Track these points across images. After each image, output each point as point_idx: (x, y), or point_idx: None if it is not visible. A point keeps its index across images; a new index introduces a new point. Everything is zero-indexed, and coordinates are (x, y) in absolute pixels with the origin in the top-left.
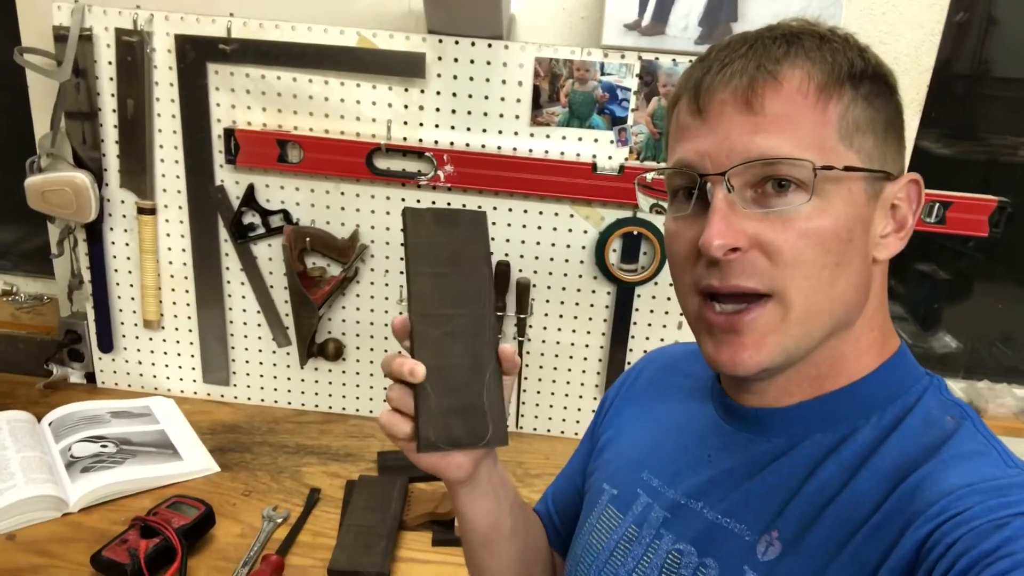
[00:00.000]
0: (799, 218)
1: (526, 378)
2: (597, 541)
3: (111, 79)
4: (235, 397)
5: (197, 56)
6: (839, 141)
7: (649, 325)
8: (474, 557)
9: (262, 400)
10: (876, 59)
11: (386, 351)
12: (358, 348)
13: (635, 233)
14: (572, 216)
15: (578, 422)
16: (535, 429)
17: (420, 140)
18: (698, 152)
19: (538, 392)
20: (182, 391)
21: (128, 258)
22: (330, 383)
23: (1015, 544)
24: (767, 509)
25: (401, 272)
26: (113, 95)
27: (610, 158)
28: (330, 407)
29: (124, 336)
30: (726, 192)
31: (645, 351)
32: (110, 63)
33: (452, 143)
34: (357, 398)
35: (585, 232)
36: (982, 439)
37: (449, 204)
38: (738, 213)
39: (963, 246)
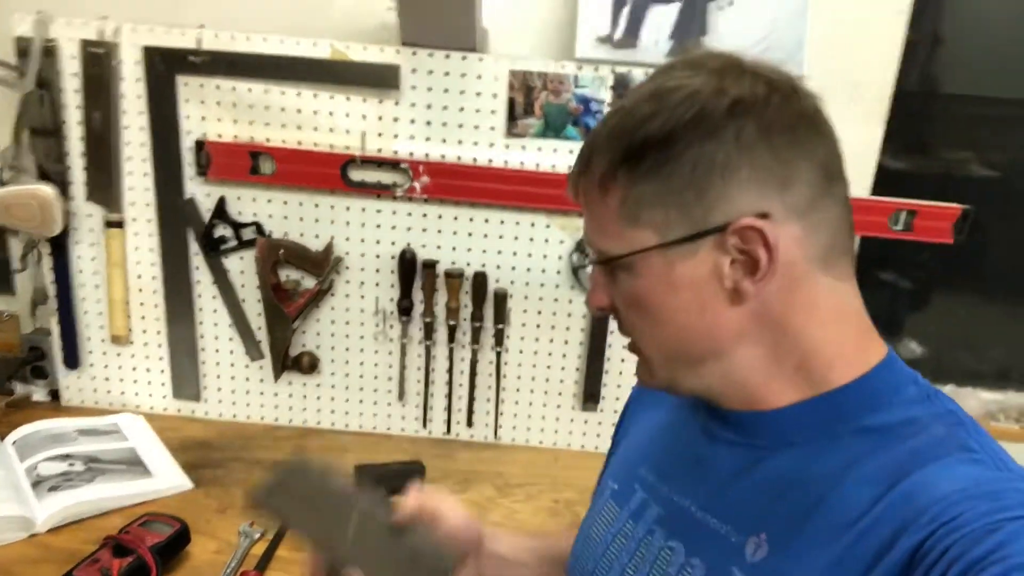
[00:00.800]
0: (620, 285)
1: (503, 389)
2: (596, 534)
3: (76, 91)
4: (206, 413)
5: (166, 68)
6: (625, 223)
7: None
8: None
9: (234, 416)
10: (667, 122)
11: (361, 363)
12: (333, 361)
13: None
14: (548, 226)
15: (556, 432)
16: (513, 440)
17: (395, 152)
18: None
19: (516, 403)
20: (151, 408)
21: (95, 272)
22: (304, 397)
23: (1007, 548)
24: (753, 511)
25: (376, 284)
26: (79, 107)
27: None
28: (305, 421)
29: (91, 352)
30: (594, 263)
31: (623, 359)
32: (75, 75)
33: (427, 155)
34: (332, 412)
35: (562, 242)
36: (975, 444)
37: (425, 215)
38: (600, 281)
39: (921, 255)
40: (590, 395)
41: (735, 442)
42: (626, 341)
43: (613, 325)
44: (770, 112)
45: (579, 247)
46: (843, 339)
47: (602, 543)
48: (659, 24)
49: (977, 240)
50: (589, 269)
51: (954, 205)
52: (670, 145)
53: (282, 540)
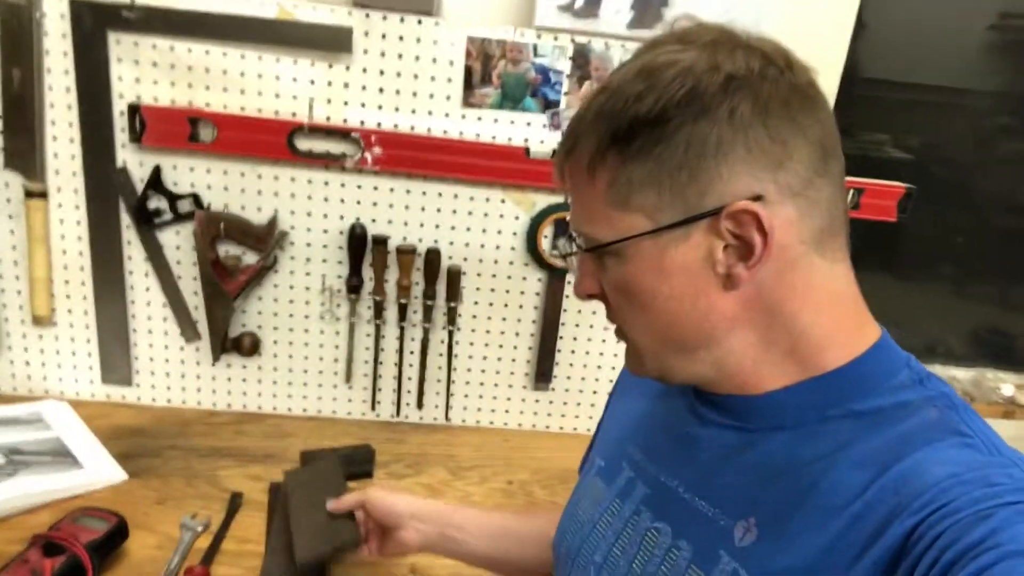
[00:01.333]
0: (608, 272)
1: (455, 369)
2: (583, 512)
3: None
4: (138, 398)
5: (95, 24)
6: (615, 208)
7: (579, 312)
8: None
9: (169, 401)
10: (658, 101)
11: (306, 344)
12: (275, 342)
13: (567, 219)
14: (503, 201)
15: (507, 412)
16: (464, 421)
17: (345, 120)
18: None
19: (467, 383)
20: (77, 393)
21: (14, 247)
22: (244, 380)
23: (1000, 535)
24: (742, 495)
25: (324, 260)
26: None
27: (542, 142)
28: (245, 406)
29: (9, 335)
30: (580, 249)
31: (575, 339)
32: None
33: (380, 124)
34: (275, 396)
35: (516, 218)
36: (967, 428)
37: (376, 189)
38: (586, 268)
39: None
40: (542, 374)
41: (725, 425)
42: (609, 326)
43: (567, 303)
44: (765, 88)
45: (562, 232)
46: (837, 322)
47: (589, 522)
48: None
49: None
50: (574, 257)
51: (898, 184)
52: (662, 125)
53: (227, 532)
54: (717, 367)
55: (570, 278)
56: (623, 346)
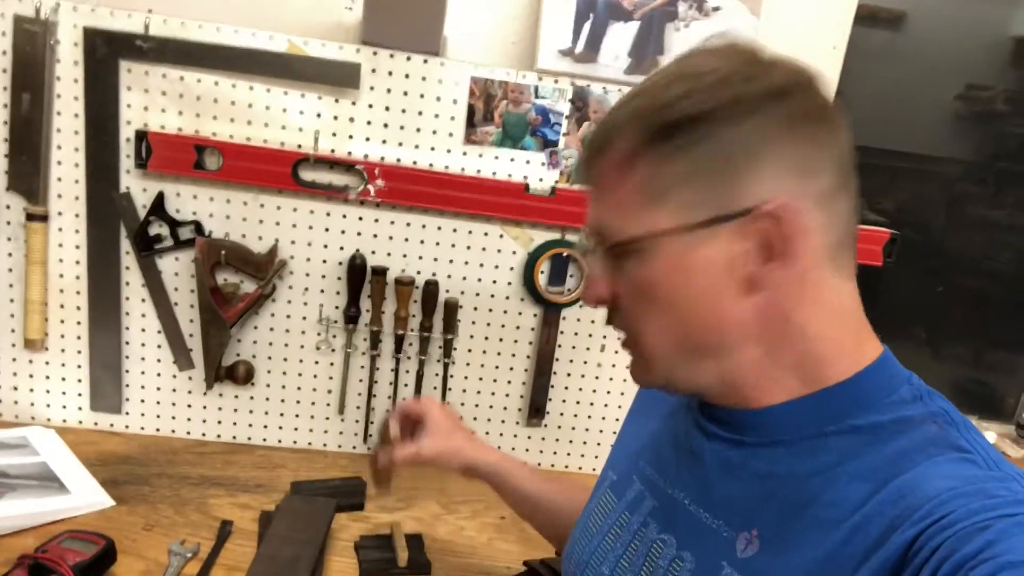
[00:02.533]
0: (629, 274)
1: (449, 402)
2: (593, 524)
3: (4, 71)
4: (127, 427)
5: (109, 52)
6: (646, 204)
7: (573, 348)
8: (528, 520)
9: (157, 429)
10: (700, 102)
11: (300, 375)
12: (269, 372)
13: (564, 255)
14: (502, 236)
15: (499, 447)
16: None
17: (350, 152)
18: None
19: (460, 417)
20: (64, 420)
21: (10, 269)
22: (235, 410)
23: (997, 547)
24: (745, 508)
25: (322, 290)
26: (6, 88)
27: (541, 180)
28: (234, 436)
29: None
30: (593, 253)
31: (569, 374)
32: (4, 53)
33: (383, 157)
34: (265, 427)
35: (514, 253)
36: (967, 443)
37: (377, 221)
38: (600, 273)
39: None
40: (535, 410)
41: (727, 439)
42: (599, 344)
43: (562, 339)
44: (797, 102)
45: (559, 268)
46: (842, 337)
47: (598, 533)
48: (619, 41)
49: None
50: (589, 261)
51: (884, 229)
52: (703, 125)
53: (216, 559)
54: (722, 378)
55: (566, 314)
56: (617, 383)
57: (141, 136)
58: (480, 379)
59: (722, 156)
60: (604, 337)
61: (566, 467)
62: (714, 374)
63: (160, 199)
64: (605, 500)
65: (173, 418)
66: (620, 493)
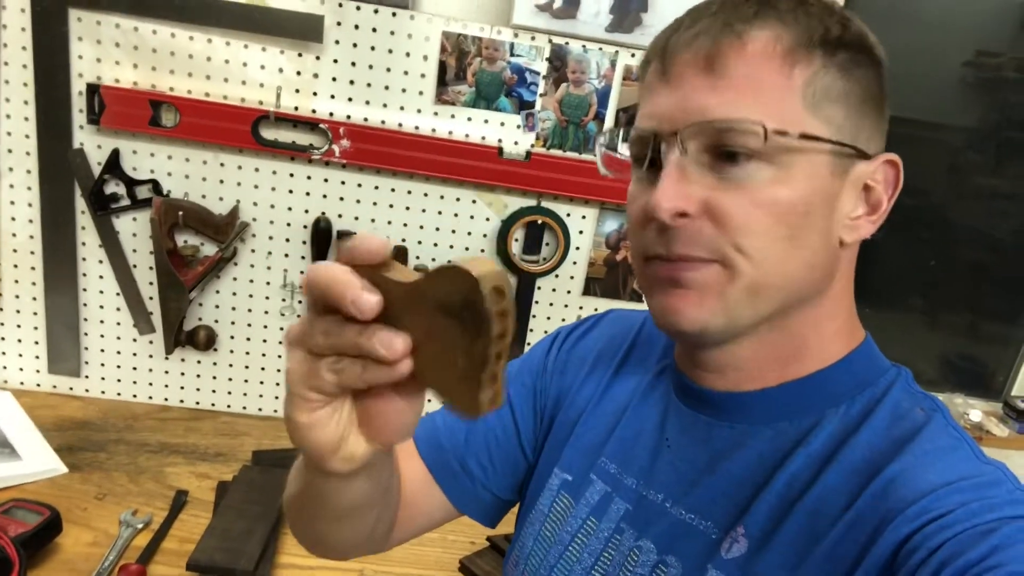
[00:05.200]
0: (753, 186)
1: None
2: (551, 533)
3: None
4: (86, 390)
5: (57, 0)
6: (803, 108)
7: (548, 318)
8: (311, 527)
9: (118, 394)
10: (860, 30)
11: (265, 341)
12: (232, 338)
13: (539, 223)
14: (475, 202)
15: None
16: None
17: (314, 111)
18: (655, 114)
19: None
20: (22, 383)
21: None
22: (198, 376)
23: (1002, 554)
24: (732, 504)
25: (286, 254)
26: None
27: (516, 143)
28: (197, 403)
29: None
30: (679, 154)
31: None
32: None
33: (349, 116)
34: (229, 393)
35: (487, 219)
36: (954, 432)
37: (343, 183)
38: (691, 177)
39: None
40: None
41: (711, 425)
42: (575, 314)
43: (536, 309)
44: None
45: (535, 235)
46: (847, 316)
47: (558, 543)
48: None
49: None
50: (671, 160)
51: None
52: (860, 53)
53: (169, 530)
54: (743, 352)
55: (541, 283)
56: None
57: (93, 90)
58: None
59: (865, 91)
60: (580, 308)
61: None
62: (785, 335)
63: (115, 156)
64: (561, 504)
65: (134, 382)
66: (577, 495)
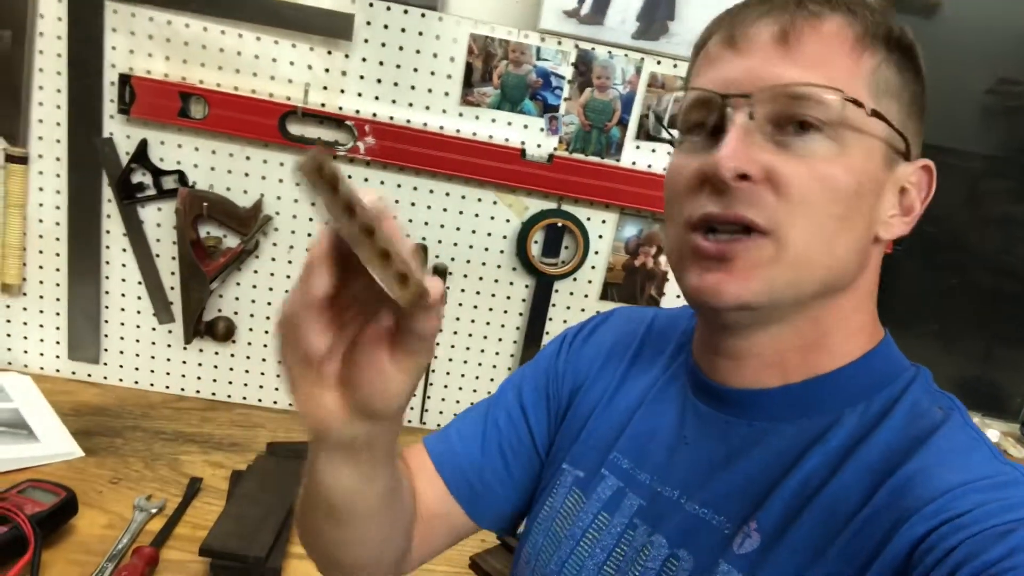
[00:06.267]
0: (816, 159)
1: (434, 370)
2: (562, 528)
3: None
4: (104, 377)
5: None
6: (869, 94)
7: (565, 321)
8: (315, 528)
9: (136, 382)
10: (913, 38)
11: None
12: (251, 330)
13: (559, 225)
14: (496, 203)
15: None
16: (439, 425)
17: (340, 108)
18: (722, 79)
19: (445, 386)
20: (42, 368)
21: None
22: (216, 367)
23: (1020, 556)
24: (747, 499)
25: (307, 249)
26: None
27: (539, 146)
28: (214, 393)
29: None
30: (747, 118)
31: None
32: None
33: (375, 114)
34: (246, 385)
35: (508, 221)
36: (971, 431)
37: (367, 180)
38: (755, 142)
39: None
40: None
41: (729, 423)
42: None
43: (553, 311)
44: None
45: (554, 237)
46: (869, 314)
47: (570, 538)
48: (626, 4)
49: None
50: (738, 122)
51: None
52: (913, 60)
53: (182, 516)
54: (769, 341)
55: (559, 286)
56: None
57: (125, 80)
58: (467, 348)
59: (912, 95)
60: (597, 312)
61: None
62: (811, 323)
63: (143, 146)
64: (573, 500)
65: (152, 371)
66: (589, 491)
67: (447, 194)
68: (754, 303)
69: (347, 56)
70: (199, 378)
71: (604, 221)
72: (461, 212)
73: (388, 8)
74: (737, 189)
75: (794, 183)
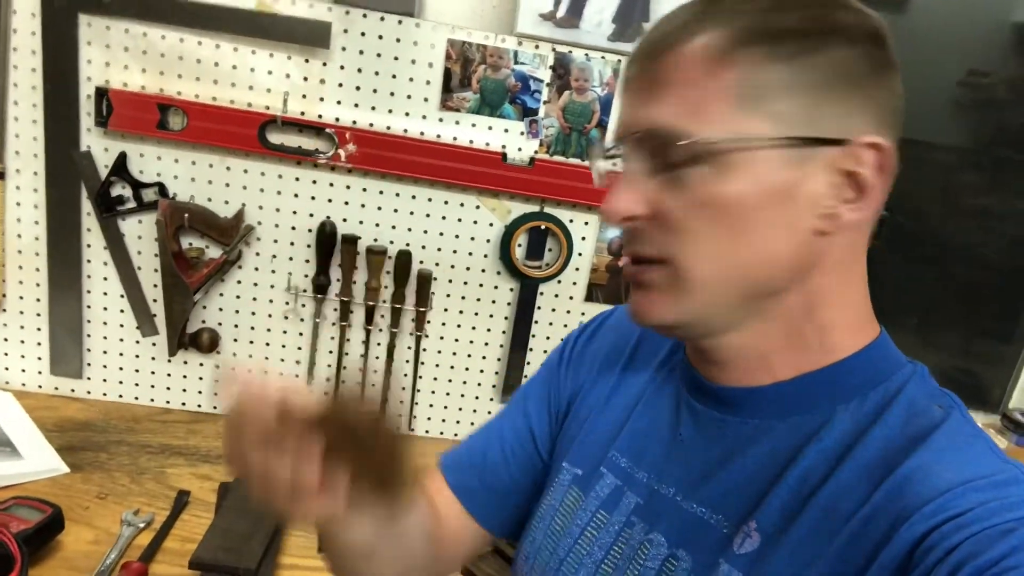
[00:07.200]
0: (693, 186)
1: (421, 377)
2: (561, 526)
3: None
4: (88, 392)
5: (68, 4)
6: (736, 109)
7: (551, 324)
8: (355, 571)
9: (120, 396)
10: (818, 15)
11: (268, 344)
12: (236, 340)
13: (542, 228)
14: (478, 207)
15: (472, 424)
16: (427, 432)
17: (320, 116)
18: (621, 121)
19: (432, 392)
20: (24, 384)
21: None
22: (201, 378)
23: (1021, 555)
24: (745, 499)
25: (290, 258)
26: None
27: (520, 149)
28: (199, 405)
29: None
30: (628, 161)
31: (545, 351)
32: None
33: (355, 121)
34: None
35: (491, 225)
36: (971, 429)
37: (348, 187)
38: (639, 182)
39: None
40: (510, 387)
41: (724, 421)
42: (578, 320)
43: (538, 314)
44: (887, 51)
45: (538, 240)
46: (857, 309)
47: (568, 536)
48: (602, 7)
49: None
50: (621, 168)
51: None
52: (814, 38)
53: (171, 530)
54: (741, 342)
55: (543, 288)
56: None
57: (102, 93)
58: (454, 354)
59: (826, 76)
60: (582, 314)
61: None
62: (738, 333)
63: (122, 159)
64: (571, 498)
65: (136, 385)
66: (587, 489)
67: (429, 200)
68: (673, 323)
69: (325, 64)
70: (184, 390)
71: (587, 223)
72: (444, 217)
73: (365, 15)
74: (631, 229)
75: (674, 215)
